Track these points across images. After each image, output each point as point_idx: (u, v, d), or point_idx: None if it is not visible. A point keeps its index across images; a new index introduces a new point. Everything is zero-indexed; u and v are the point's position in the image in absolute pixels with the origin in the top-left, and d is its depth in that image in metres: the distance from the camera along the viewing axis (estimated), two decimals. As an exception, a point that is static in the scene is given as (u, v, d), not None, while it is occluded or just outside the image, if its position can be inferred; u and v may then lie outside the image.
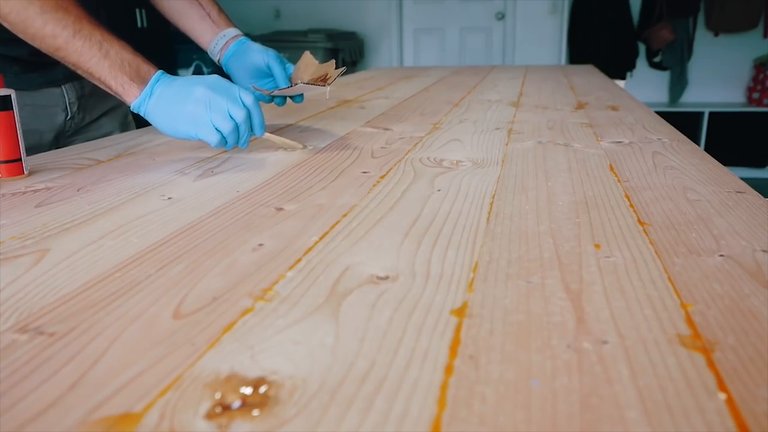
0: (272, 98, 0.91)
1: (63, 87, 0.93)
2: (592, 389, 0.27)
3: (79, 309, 0.35)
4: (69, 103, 0.95)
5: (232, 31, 0.94)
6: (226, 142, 0.70)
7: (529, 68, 2.10)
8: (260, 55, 0.90)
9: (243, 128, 0.69)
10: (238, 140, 0.71)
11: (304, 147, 0.80)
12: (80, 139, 0.99)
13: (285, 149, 0.80)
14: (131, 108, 0.71)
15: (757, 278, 0.38)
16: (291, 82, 0.89)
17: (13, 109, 0.63)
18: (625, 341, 0.31)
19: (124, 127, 1.07)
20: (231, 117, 0.68)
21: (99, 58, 0.69)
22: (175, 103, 0.68)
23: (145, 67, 0.71)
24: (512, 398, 0.26)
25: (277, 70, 0.88)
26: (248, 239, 0.46)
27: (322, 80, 0.86)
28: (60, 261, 0.43)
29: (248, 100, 0.70)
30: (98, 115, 1.03)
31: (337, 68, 0.88)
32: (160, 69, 0.72)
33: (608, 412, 0.25)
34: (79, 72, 0.71)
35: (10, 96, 0.63)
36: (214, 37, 0.94)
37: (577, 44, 4.02)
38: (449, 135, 0.88)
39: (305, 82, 0.84)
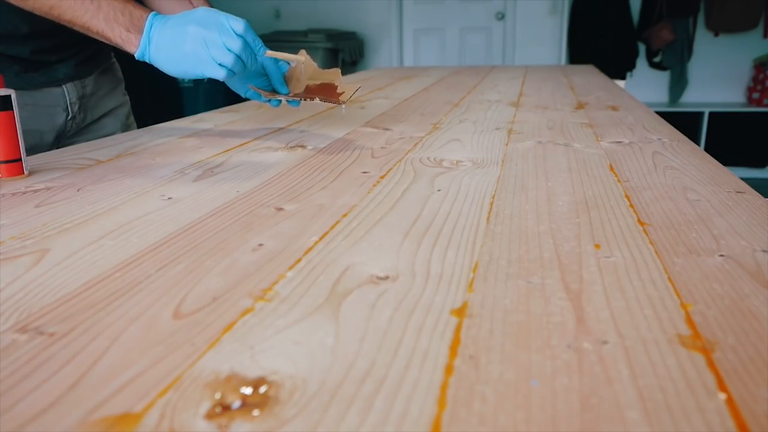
0: (268, 99, 0.89)
1: (64, 87, 0.93)
2: (592, 389, 0.27)
3: (79, 309, 0.35)
4: (70, 103, 0.94)
5: None
6: (234, 73, 0.70)
7: (529, 68, 2.10)
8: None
9: (245, 56, 0.69)
10: (245, 66, 0.71)
11: (304, 59, 0.82)
12: (81, 139, 0.98)
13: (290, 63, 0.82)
14: (137, 57, 0.71)
15: (757, 278, 0.38)
16: (286, 81, 0.87)
17: (13, 109, 0.63)
18: (625, 341, 0.31)
19: (125, 128, 1.06)
20: (229, 50, 0.68)
21: (93, 11, 0.69)
22: (173, 47, 0.68)
23: (137, 12, 0.70)
24: (512, 398, 0.26)
25: (270, 69, 0.86)
26: (248, 239, 0.46)
27: (331, 92, 0.83)
28: (60, 261, 0.43)
29: (239, 27, 0.69)
30: (100, 115, 1.02)
31: (346, 82, 0.85)
32: (151, 11, 0.71)
33: (608, 412, 0.25)
34: (77, 28, 0.71)
35: (10, 96, 0.63)
36: None
37: (577, 44, 4.02)
38: (449, 135, 0.88)
39: (318, 98, 0.83)
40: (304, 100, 0.83)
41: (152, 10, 0.72)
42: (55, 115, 0.93)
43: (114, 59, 1.07)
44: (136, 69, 1.13)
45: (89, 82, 0.99)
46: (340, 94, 0.83)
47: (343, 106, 0.83)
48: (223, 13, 0.71)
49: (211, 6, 0.92)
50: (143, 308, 0.35)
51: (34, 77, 0.89)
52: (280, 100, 0.90)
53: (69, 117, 0.95)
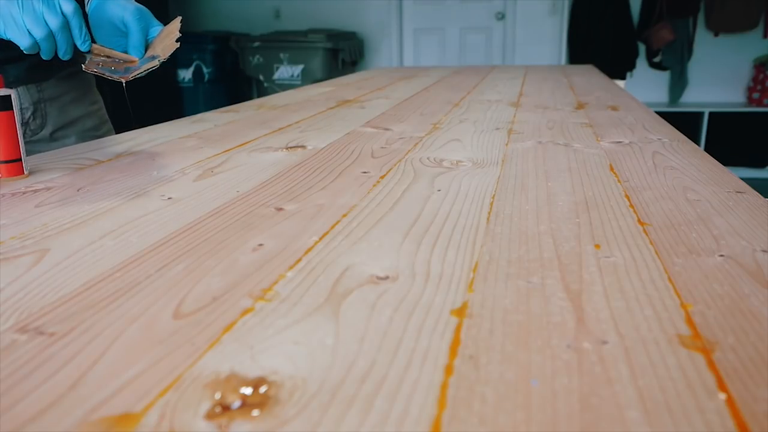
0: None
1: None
2: (592, 389, 0.27)
3: (79, 309, 0.35)
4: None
5: None
6: (41, 49, 0.65)
7: (529, 68, 2.10)
8: (118, 8, 0.72)
9: (60, 38, 0.65)
10: (58, 50, 0.66)
11: (151, 61, 0.70)
12: (44, 148, 0.90)
13: (140, 71, 0.70)
14: None
15: (757, 278, 0.38)
16: (147, 48, 0.73)
17: (13, 109, 0.63)
18: (625, 341, 0.31)
19: (100, 135, 0.98)
20: (45, 23, 0.64)
21: None
22: None
23: None
24: (512, 398, 0.26)
25: (133, 28, 0.71)
26: (248, 239, 0.46)
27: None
28: (60, 261, 0.43)
29: (67, 7, 0.64)
30: (65, 122, 0.94)
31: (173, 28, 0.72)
32: None
33: (608, 412, 0.25)
34: None
35: (9, 96, 0.63)
36: None
37: (577, 44, 4.02)
38: (449, 135, 0.88)
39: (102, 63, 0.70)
40: (89, 69, 0.68)
41: None
42: None
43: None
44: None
45: (48, 87, 0.91)
46: (131, 62, 0.71)
47: (157, 60, 0.70)
48: None
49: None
50: (143, 308, 0.35)
51: None
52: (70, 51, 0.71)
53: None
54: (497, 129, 0.92)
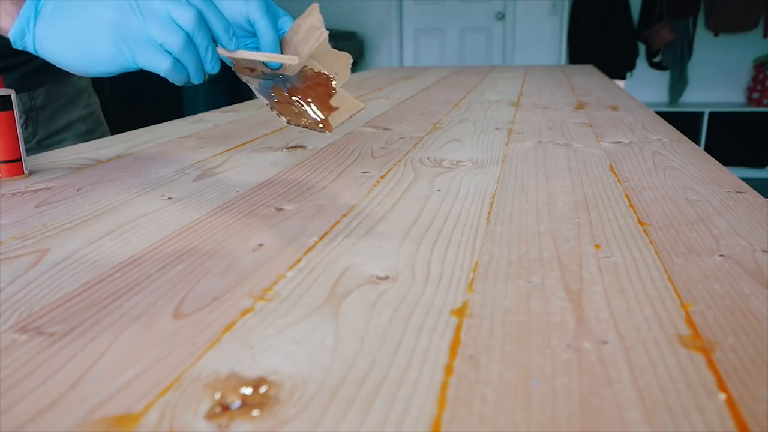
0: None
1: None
2: (592, 389, 0.27)
3: (79, 309, 0.35)
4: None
5: None
6: (186, 71, 0.47)
7: (529, 68, 2.10)
8: (238, 1, 0.55)
9: (199, 38, 0.46)
10: (201, 61, 0.48)
11: (299, 63, 0.56)
12: (36, 153, 0.85)
13: (278, 72, 0.56)
14: (11, 41, 0.45)
15: (757, 278, 0.38)
16: (282, 47, 0.58)
17: (13, 109, 0.63)
18: (625, 341, 0.31)
19: (93, 137, 0.95)
20: (176, 24, 0.45)
21: None
22: (81, 15, 0.43)
23: None
24: (512, 398, 0.26)
25: (262, 25, 0.55)
26: (248, 239, 0.46)
27: (322, 100, 0.56)
28: (60, 261, 0.43)
29: None
30: (57, 129, 0.90)
31: (348, 91, 0.58)
32: None
33: (608, 412, 0.25)
34: None
35: (10, 96, 0.63)
36: None
37: (577, 44, 4.02)
38: (449, 135, 0.88)
39: (297, 105, 0.56)
40: (275, 110, 0.55)
41: None
42: None
43: None
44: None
45: (39, 94, 0.87)
46: (332, 109, 0.55)
47: (327, 132, 0.55)
48: None
49: None
50: (143, 308, 0.35)
51: None
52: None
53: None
54: (497, 129, 0.92)
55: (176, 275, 0.40)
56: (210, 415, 0.25)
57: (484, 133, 0.90)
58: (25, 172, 0.67)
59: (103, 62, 0.44)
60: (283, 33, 0.58)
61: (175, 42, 0.44)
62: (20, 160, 0.66)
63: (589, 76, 1.79)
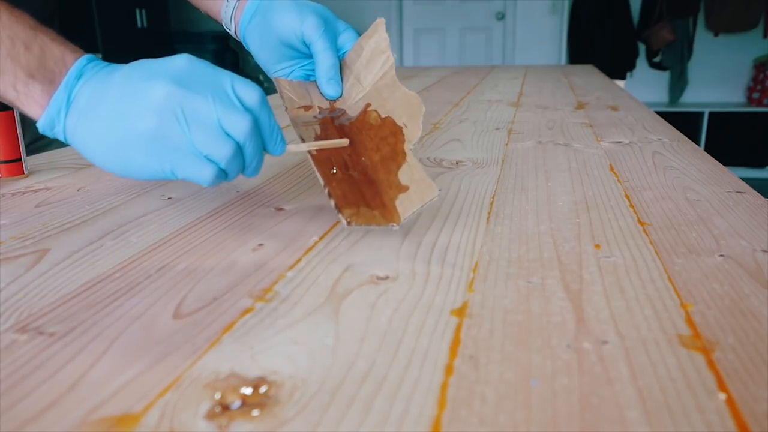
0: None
1: None
2: (592, 389, 0.27)
3: (79, 309, 0.35)
4: None
5: None
6: (226, 175, 0.41)
7: (529, 68, 2.10)
8: (290, 18, 0.50)
9: (251, 148, 0.40)
10: (244, 168, 0.41)
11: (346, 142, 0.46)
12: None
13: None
14: (39, 130, 0.40)
15: (757, 278, 0.38)
16: (342, 70, 0.50)
17: (13, 109, 0.63)
18: (625, 341, 0.31)
19: None
20: (227, 134, 0.38)
21: None
22: (118, 118, 0.37)
23: (56, 50, 0.39)
24: (512, 398, 0.26)
25: (319, 47, 0.49)
26: (248, 239, 0.46)
27: (387, 168, 0.45)
28: (60, 261, 0.43)
29: (251, 97, 0.39)
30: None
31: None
32: (86, 53, 0.41)
33: (608, 412, 0.25)
34: None
35: (10, 96, 0.63)
36: None
37: (577, 44, 4.02)
38: (449, 135, 0.88)
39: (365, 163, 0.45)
40: (327, 185, 0.45)
41: (84, 53, 0.40)
42: None
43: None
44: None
45: None
46: (400, 189, 0.44)
47: (394, 225, 0.43)
48: (221, 69, 0.40)
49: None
50: (143, 308, 0.35)
51: None
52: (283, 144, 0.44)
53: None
54: (497, 129, 0.92)
55: (176, 275, 0.40)
56: (210, 415, 0.25)
57: (484, 133, 0.90)
58: (25, 172, 0.67)
59: (138, 170, 0.38)
60: (344, 54, 0.51)
61: (223, 154, 0.38)
62: (20, 160, 0.66)
63: (589, 76, 1.79)
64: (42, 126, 0.39)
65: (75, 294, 0.37)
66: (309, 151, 0.45)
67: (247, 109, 0.39)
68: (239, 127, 0.38)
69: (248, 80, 0.40)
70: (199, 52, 4.10)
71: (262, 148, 0.41)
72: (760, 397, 0.26)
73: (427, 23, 4.33)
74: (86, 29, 3.26)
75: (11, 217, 0.53)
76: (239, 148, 0.39)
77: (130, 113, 0.36)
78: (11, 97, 0.39)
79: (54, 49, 0.39)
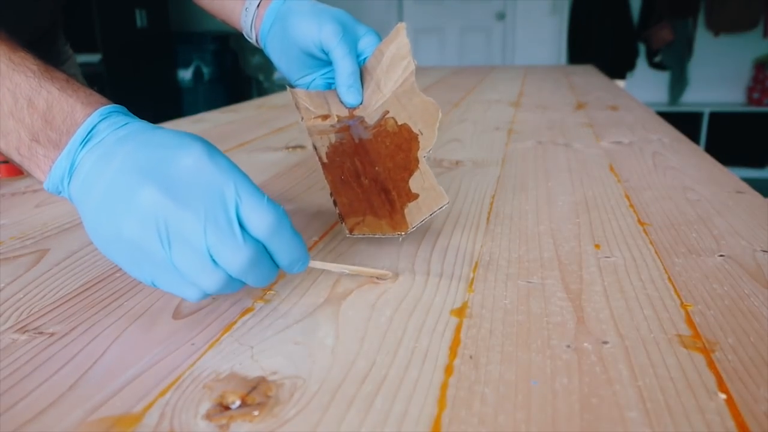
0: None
1: None
2: (592, 389, 0.27)
3: (79, 309, 0.35)
4: None
5: None
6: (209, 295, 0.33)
7: (529, 68, 2.10)
8: (308, 25, 0.47)
9: (250, 279, 0.32)
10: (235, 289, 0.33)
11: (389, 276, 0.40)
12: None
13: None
14: (46, 188, 0.34)
15: (757, 278, 0.38)
16: (363, 76, 0.48)
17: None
18: (625, 341, 0.31)
19: None
20: (215, 263, 0.30)
21: None
22: (106, 210, 0.31)
23: (65, 103, 0.33)
24: (512, 398, 0.26)
25: (339, 54, 0.47)
26: (248, 239, 0.46)
27: (398, 178, 0.44)
28: (60, 261, 0.43)
29: (260, 225, 0.32)
30: None
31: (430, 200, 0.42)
32: (101, 102, 0.35)
33: (608, 412, 0.25)
34: None
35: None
36: (244, 3, 0.53)
37: (577, 44, 4.02)
38: (449, 135, 0.88)
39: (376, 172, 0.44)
40: (336, 203, 0.43)
41: (98, 102, 0.34)
42: None
43: (71, 62, 0.81)
44: (134, 65, 1.10)
45: None
46: (410, 197, 0.43)
47: (401, 234, 0.42)
48: (235, 174, 0.34)
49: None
50: (143, 308, 0.35)
51: None
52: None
53: None
54: (497, 129, 0.92)
55: (176, 275, 0.40)
56: (210, 415, 0.25)
57: (484, 133, 0.90)
58: (25, 173, 0.67)
59: (125, 268, 0.32)
60: (364, 59, 0.49)
61: (209, 285, 0.31)
62: (20, 160, 0.65)
63: (589, 76, 1.79)
64: (48, 190, 0.34)
65: (75, 294, 0.37)
66: (319, 157, 0.44)
67: (249, 238, 0.31)
68: (232, 261, 0.30)
69: (263, 198, 0.33)
70: (199, 52, 4.11)
71: (273, 268, 0.33)
72: (760, 397, 0.26)
73: (427, 23, 4.33)
74: (86, 29, 3.27)
75: (11, 217, 0.53)
76: (231, 279, 0.31)
77: (116, 212, 0.30)
78: (16, 160, 0.35)
79: (62, 102, 0.33)
